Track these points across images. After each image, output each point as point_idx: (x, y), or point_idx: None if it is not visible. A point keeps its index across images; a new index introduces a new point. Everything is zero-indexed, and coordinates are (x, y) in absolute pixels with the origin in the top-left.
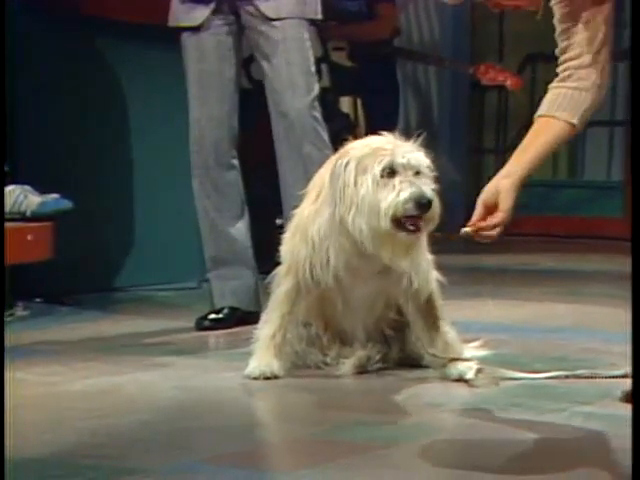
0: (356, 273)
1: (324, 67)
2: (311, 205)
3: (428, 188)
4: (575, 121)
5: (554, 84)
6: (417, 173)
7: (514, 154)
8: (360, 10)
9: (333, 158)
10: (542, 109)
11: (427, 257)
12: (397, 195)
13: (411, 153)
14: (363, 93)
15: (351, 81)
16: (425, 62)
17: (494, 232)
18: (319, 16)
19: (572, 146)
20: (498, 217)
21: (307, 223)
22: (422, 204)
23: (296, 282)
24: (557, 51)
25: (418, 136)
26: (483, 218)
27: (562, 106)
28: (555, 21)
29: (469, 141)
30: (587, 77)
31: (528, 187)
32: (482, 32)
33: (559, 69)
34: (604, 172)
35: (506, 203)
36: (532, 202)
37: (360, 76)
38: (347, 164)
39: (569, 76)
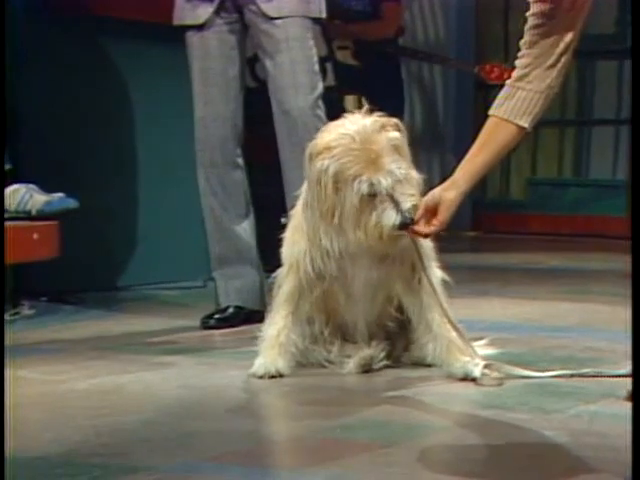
0: (357, 260)
1: (329, 66)
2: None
3: (408, 202)
4: (528, 126)
5: (512, 81)
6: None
7: (466, 158)
8: (365, 9)
9: (311, 151)
10: (499, 109)
11: (428, 244)
12: (379, 219)
13: (387, 172)
14: (368, 92)
15: (356, 80)
16: (430, 61)
17: (425, 235)
18: (323, 15)
19: (577, 145)
20: (434, 227)
21: (302, 220)
22: (405, 224)
23: (298, 280)
24: (521, 42)
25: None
26: (421, 218)
27: (519, 110)
28: (529, 15)
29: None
30: (544, 79)
31: (534, 186)
32: (487, 31)
33: (519, 61)
34: (609, 171)
35: (444, 216)
36: (537, 201)
37: (365, 75)
38: (326, 169)
39: (527, 74)
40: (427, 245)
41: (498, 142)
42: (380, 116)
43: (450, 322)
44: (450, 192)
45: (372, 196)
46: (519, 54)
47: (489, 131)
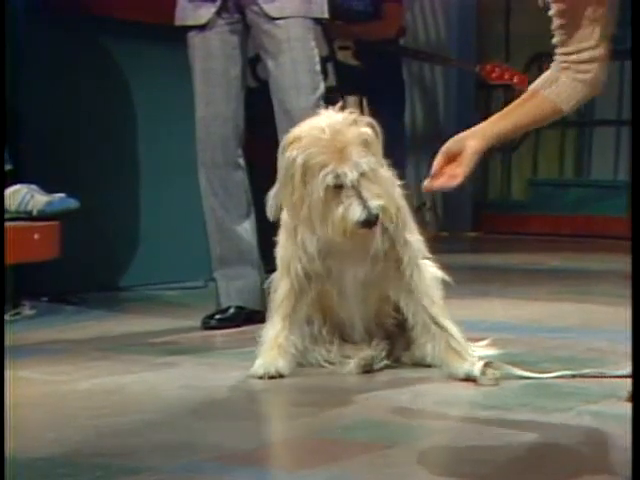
0: (342, 259)
1: (330, 66)
2: None
3: (375, 200)
4: (565, 108)
5: (554, 69)
6: (362, 174)
7: (496, 115)
8: (366, 9)
9: (283, 143)
10: (538, 84)
11: (416, 237)
12: (345, 213)
13: (354, 164)
14: (369, 92)
15: (357, 80)
16: (431, 61)
17: (449, 187)
18: (325, 15)
19: (579, 145)
20: (455, 180)
21: (290, 221)
22: (370, 222)
23: (291, 282)
24: (554, 41)
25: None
26: (442, 167)
27: (559, 91)
28: (552, 14)
29: None
30: (586, 72)
31: (535, 186)
32: (488, 31)
33: (556, 62)
34: (611, 172)
35: (467, 166)
36: (539, 201)
37: (366, 75)
38: (294, 159)
39: (567, 68)
40: (416, 241)
41: (533, 109)
42: (355, 113)
43: (447, 321)
44: (475, 142)
45: (338, 188)
46: (555, 55)
47: (525, 99)
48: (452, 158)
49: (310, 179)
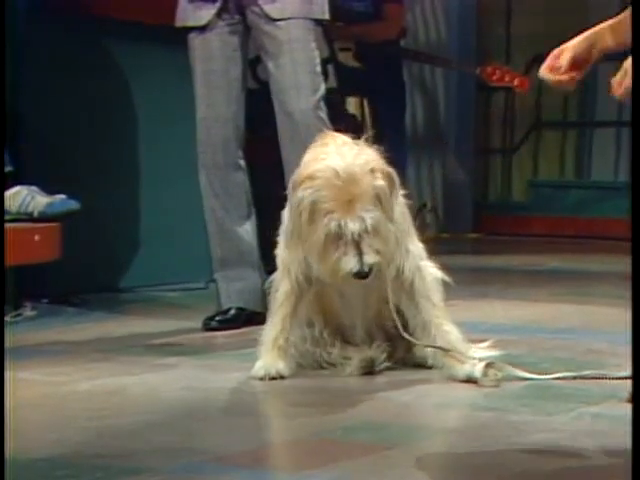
0: None
1: (330, 68)
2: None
3: (372, 257)
4: None
5: None
6: (365, 228)
7: (607, 23)
8: (367, 11)
9: (296, 179)
10: None
11: (417, 246)
12: (339, 262)
13: (358, 217)
14: (370, 94)
15: (358, 82)
16: (432, 63)
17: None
18: (326, 16)
19: (579, 147)
20: (573, 83)
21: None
22: (362, 275)
23: (291, 284)
24: None
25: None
26: (570, 70)
27: None
28: None
29: (476, 142)
30: None
31: (535, 187)
32: (489, 33)
33: None
34: (611, 173)
35: (582, 74)
36: (539, 203)
37: (367, 77)
38: (304, 198)
39: None
40: (417, 249)
41: None
42: (376, 158)
43: (446, 323)
44: (596, 50)
45: (339, 236)
46: None
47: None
48: (577, 64)
49: (316, 220)
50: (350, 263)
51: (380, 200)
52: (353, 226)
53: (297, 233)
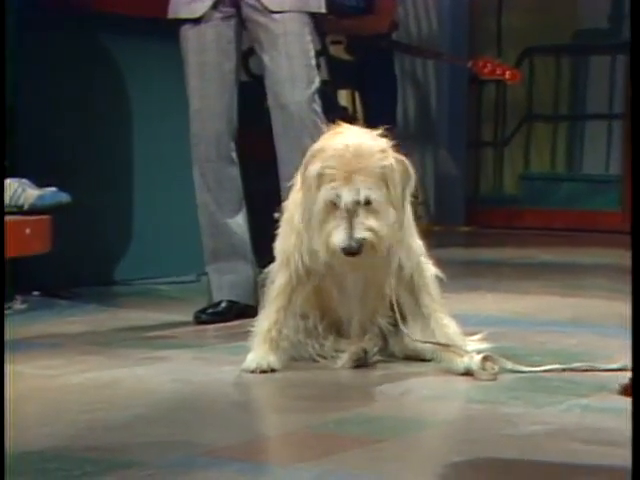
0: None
1: (322, 61)
2: (296, 194)
3: (362, 232)
4: None
5: None
6: (366, 203)
7: None
8: (358, 4)
9: (309, 153)
10: None
11: (418, 243)
12: (330, 234)
13: (355, 189)
14: (361, 87)
15: (349, 75)
16: (423, 56)
17: None
18: (323, 10)
19: (570, 140)
20: None
21: (293, 213)
22: (350, 251)
23: (289, 275)
24: None
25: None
26: None
27: None
28: None
29: (468, 135)
30: None
31: (527, 180)
32: (480, 26)
33: None
34: (602, 166)
35: None
36: (531, 196)
37: (358, 70)
38: (313, 169)
39: None
40: (418, 246)
41: None
42: (391, 146)
43: (444, 317)
44: None
45: (335, 206)
46: None
47: None
48: None
49: (320, 189)
50: (339, 237)
51: (386, 181)
52: (347, 196)
53: (308, 208)
